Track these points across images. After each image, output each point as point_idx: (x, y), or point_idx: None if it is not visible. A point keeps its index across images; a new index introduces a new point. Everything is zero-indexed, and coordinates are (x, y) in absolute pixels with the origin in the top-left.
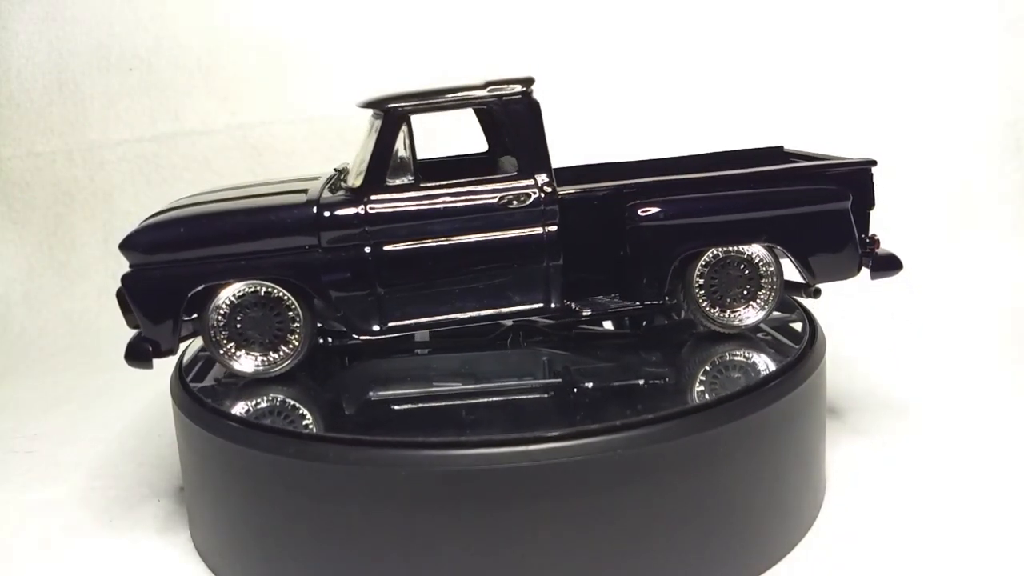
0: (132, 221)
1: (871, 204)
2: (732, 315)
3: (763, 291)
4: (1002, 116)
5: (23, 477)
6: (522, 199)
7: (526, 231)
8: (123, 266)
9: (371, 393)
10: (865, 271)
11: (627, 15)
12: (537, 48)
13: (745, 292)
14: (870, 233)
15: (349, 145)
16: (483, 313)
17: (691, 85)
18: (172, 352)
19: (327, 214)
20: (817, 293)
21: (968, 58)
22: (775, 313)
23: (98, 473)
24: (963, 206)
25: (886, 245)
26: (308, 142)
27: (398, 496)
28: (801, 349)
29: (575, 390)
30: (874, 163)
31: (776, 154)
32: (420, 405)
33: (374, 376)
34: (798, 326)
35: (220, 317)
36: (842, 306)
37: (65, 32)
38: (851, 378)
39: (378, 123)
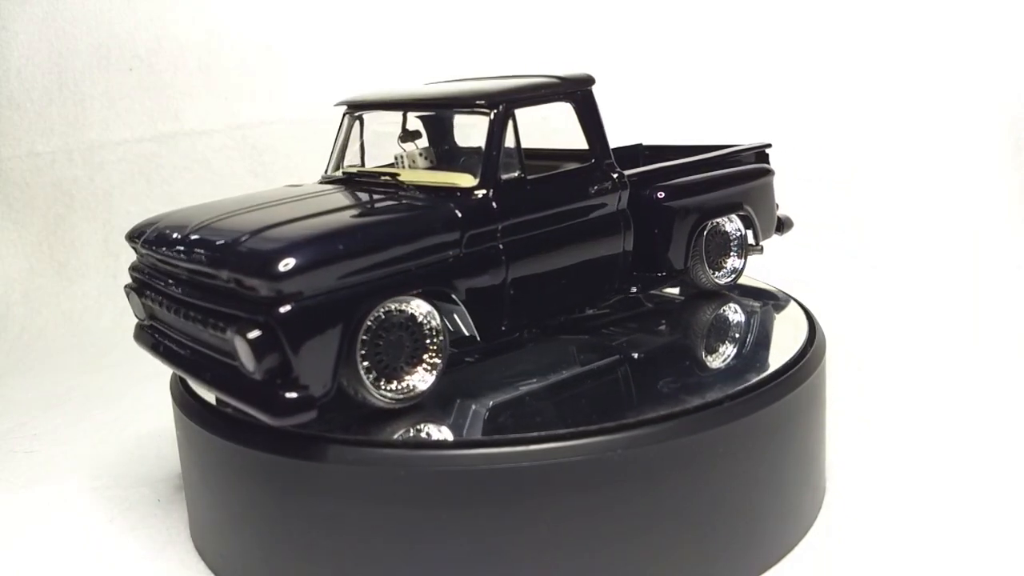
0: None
1: None
2: (719, 274)
3: (733, 252)
4: (1002, 116)
5: (23, 477)
6: (605, 185)
7: (609, 215)
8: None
9: (473, 405)
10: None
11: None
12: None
13: (723, 254)
14: None
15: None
16: (580, 300)
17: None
18: (330, 395)
19: (467, 211)
20: (761, 250)
21: (968, 58)
22: (778, 312)
23: (98, 473)
24: (963, 206)
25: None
26: (308, 142)
27: (398, 496)
28: (801, 349)
29: (636, 362)
30: (769, 146)
31: (637, 150)
32: (541, 401)
33: (453, 390)
34: (799, 326)
35: (361, 344)
36: (842, 306)
37: (65, 32)
38: (851, 378)
39: (366, 120)
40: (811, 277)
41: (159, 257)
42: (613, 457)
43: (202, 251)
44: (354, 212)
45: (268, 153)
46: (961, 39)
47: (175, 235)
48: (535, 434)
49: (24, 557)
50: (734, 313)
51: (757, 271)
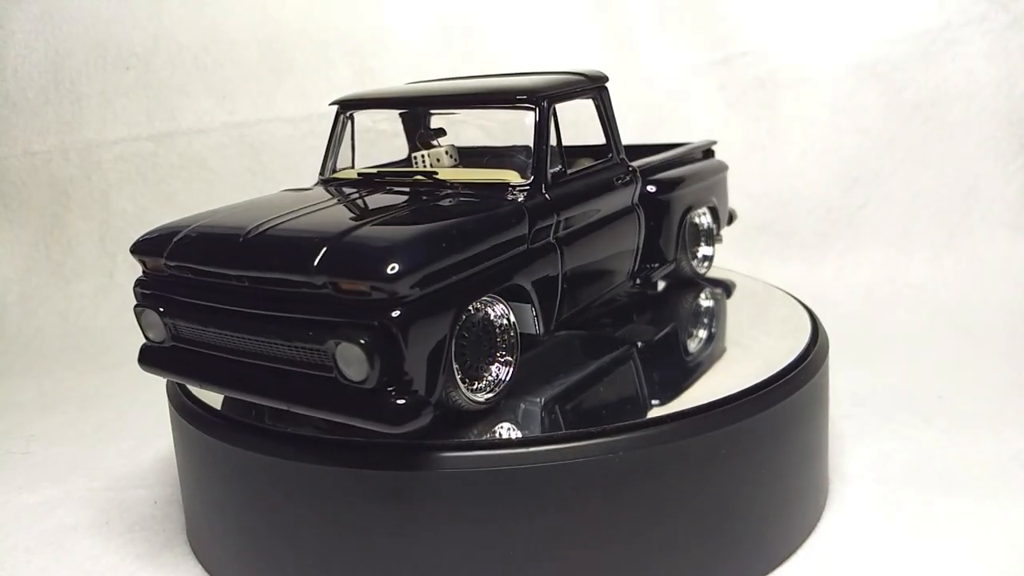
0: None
1: None
2: (695, 262)
3: (703, 241)
4: (1006, 116)
5: (20, 478)
6: (625, 178)
7: (629, 203)
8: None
9: (524, 402)
10: None
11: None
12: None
13: (696, 243)
14: None
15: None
16: (607, 290)
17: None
18: (436, 398)
19: (530, 206)
20: (721, 239)
21: (971, 58)
22: (780, 313)
23: (95, 475)
24: (967, 206)
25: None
26: (305, 141)
27: (398, 498)
28: (804, 350)
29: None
30: (715, 143)
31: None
32: (592, 389)
33: None
34: (801, 327)
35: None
36: (844, 306)
37: (62, 31)
38: (854, 379)
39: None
40: (813, 278)
41: (202, 269)
42: (615, 459)
43: (280, 257)
44: (433, 210)
45: (266, 152)
46: (964, 38)
47: (227, 243)
48: (535, 436)
49: (21, 558)
50: (733, 308)
51: (760, 271)
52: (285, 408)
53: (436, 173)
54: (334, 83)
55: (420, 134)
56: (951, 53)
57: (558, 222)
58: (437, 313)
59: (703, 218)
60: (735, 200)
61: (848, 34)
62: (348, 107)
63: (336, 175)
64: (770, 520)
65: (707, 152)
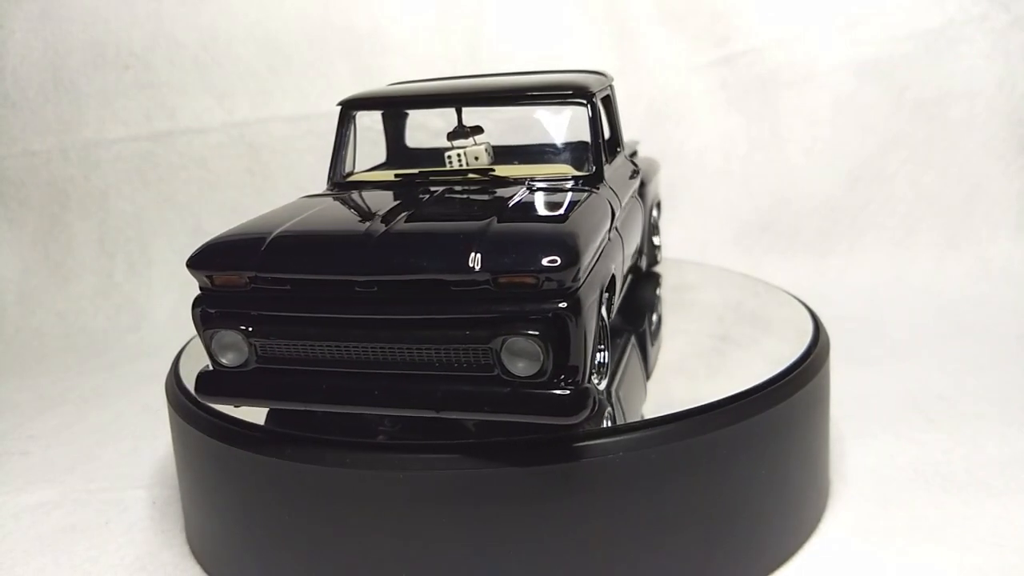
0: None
1: None
2: (657, 252)
3: (654, 232)
4: (1008, 115)
5: (18, 479)
6: (635, 169)
7: (636, 192)
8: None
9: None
10: None
11: None
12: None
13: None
14: None
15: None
16: (629, 273)
17: None
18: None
19: (606, 194)
20: (658, 232)
21: (973, 57)
22: (781, 313)
23: (93, 475)
24: (970, 206)
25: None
26: (305, 140)
27: (397, 498)
28: (805, 350)
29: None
30: (638, 142)
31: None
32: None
33: None
34: (803, 327)
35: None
36: (846, 306)
37: (61, 30)
38: (855, 380)
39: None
40: (815, 278)
41: (314, 278)
42: (615, 460)
43: (428, 258)
44: (544, 203)
45: (265, 151)
46: (967, 38)
47: (351, 248)
48: (535, 437)
49: (20, 559)
50: (734, 307)
51: (762, 271)
52: (432, 415)
53: (493, 170)
54: (333, 82)
55: (453, 132)
56: (953, 52)
57: (619, 212)
58: (589, 300)
59: (655, 211)
60: (737, 199)
61: (850, 33)
62: (360, 106)
63: (359, 177)
64: (770, 521)
65: (632, 153)
